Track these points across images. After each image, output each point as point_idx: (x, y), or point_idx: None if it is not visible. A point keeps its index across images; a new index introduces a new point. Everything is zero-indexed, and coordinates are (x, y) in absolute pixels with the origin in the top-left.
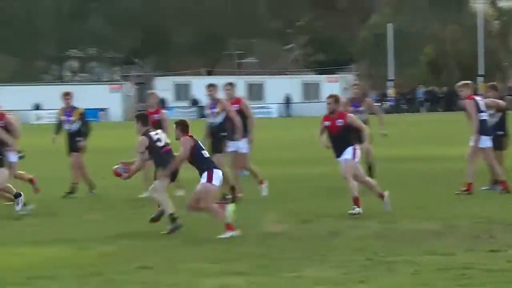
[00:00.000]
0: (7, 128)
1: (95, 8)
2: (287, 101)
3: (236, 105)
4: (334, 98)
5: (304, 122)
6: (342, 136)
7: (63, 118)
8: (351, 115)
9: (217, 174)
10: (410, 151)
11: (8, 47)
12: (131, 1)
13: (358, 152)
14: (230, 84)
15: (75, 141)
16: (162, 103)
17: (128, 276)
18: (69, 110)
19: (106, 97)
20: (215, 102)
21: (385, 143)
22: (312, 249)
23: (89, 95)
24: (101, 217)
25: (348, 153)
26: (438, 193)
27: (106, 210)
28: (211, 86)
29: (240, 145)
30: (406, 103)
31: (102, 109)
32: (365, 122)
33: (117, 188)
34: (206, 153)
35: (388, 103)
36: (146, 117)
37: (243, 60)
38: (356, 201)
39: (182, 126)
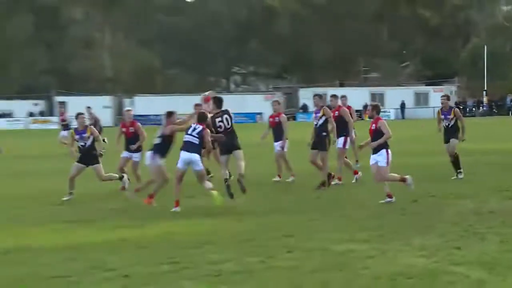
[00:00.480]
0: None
1: (254, 34)
2: (402, 107)
3: (336, 112)
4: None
5: (415, 124)
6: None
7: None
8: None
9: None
10: (497, 145)
11: (188, 66)
12: (282, 27)
13: None
14: (334, 96)
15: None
16: (304, 108)
17: (275, 242)
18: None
19: (261, 104)
20: (319, 108)
21: (477, 139)
22: (419, 222)
23: (249, 103)
24: (253, 196)
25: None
26: None
27: (257, 191)
28: (316, 96)
29: (339, 142)
30: (497, 108)
31: (258, 113)
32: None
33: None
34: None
35: (483, 108)
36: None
37: (368, 75)
38: None
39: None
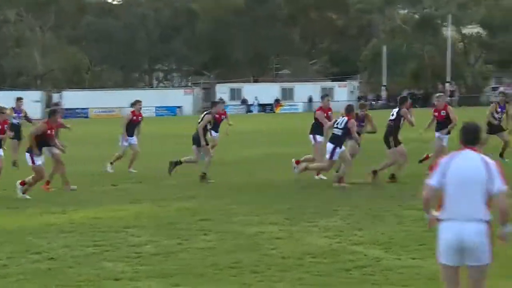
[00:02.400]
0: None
1: (176, 34)
2: (310, 101)
3: (443, 111)
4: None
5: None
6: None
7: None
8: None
9: None
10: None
11: (114, 63)
12: (202, 28)
13: None
14: (438, 96)
15: None
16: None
17: (192, 225)
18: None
19: (181, 98)
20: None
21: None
22: (324, 206)
23: (170, 97)
24: (176, 183)
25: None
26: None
27: (181, 177)
28: (402, 98)
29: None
30: (394, 102)
31: (178, 107)
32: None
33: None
34: None
35: (382, 102)
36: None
37: (279, 72)
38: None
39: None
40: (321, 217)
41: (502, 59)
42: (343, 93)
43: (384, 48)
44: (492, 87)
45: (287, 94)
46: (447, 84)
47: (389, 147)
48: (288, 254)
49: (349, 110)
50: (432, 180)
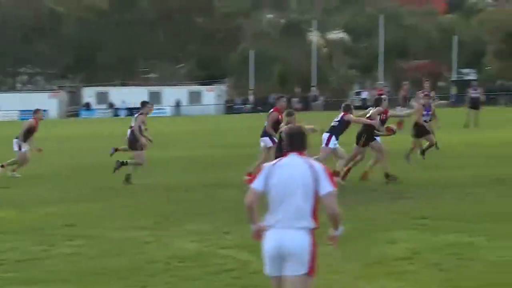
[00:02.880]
0: None
1: (40, 36)
2: (177, 105)
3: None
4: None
5: (189, 120)
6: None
7: None
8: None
9: None
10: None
11: None
12: (67, 30)
13: None
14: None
15: None
16: (87, 105)
17: (59, 230)
18: None
19: (47, 102)
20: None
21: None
22: (193, 210)
23: (34, 101)
24: (46, 187)
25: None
26: None
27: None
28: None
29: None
30: (261, 105)
31: (44, 110)
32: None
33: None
34: None
35: (249, 105)
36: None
37: (147, 76)
38: None
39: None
40: (190, 221)
41: (365, 64)
42: (210, 97)
43: (251, 53)
44: (356, 92)
45: (155, 98)
46: (312, 88)
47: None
48: (156, 258)
49: (346, 109)
50: (255, 184)
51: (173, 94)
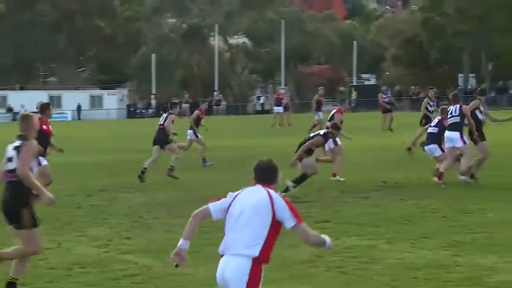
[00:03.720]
0: None
1: None
2: (79, 109)
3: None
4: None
5: (90, 124)
6: None
7: None
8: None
9: None
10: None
11: None
12: None
13: None
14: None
15: None
16: None
17: None
18: None
19: None
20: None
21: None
22: (94, 215)
23: None
24: None
25: None
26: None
27: None
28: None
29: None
30: (163, 110)
31: None
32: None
33: None
34: None
35: (152, 110)
36: None
37: (47, 79)
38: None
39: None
40: (91, 226)
41: (266, 69)
42: (112, 101)
43: (153, 57)
44: (257, 96)
45: (55, 102)
46: (215, 93)
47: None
48: (56, 264)
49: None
50: (213, 207)
51: (74, 98)
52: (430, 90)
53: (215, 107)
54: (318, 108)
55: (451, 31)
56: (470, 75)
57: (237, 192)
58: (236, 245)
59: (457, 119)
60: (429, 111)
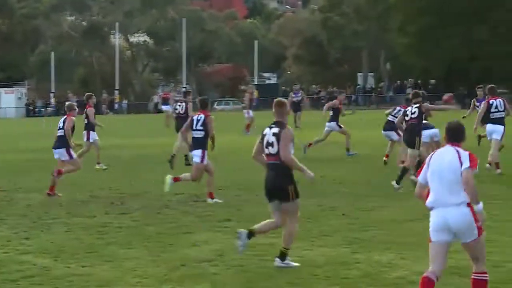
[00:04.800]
0: None
1: None
2: None
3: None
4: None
5: None
6: None
7: None
8: None
9: None
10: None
11: None
12: None
13: None
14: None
15: None
16: None
17: None
18: None
19: None
20: None
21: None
22: None
23: None
24: None
25: None
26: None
27: None
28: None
29: None
30: (63, 109)
31: None
32: None
33: None
34: None
35: (52, 108)
36: None
37: None
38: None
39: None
40: None
41: (168, 67)
42: (10, 99)
43: (52, 55)
44: (159, 95)
45: None
46: (115, 92)
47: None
48: None
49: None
50: (420, 177)
51: None
52: (479, 89)
53: (103, 106)
54: (251, 106)
55: (350, 31)
56: (369, 74)
57: (431, 154)
58: (446, 198)
59: (502, 114)
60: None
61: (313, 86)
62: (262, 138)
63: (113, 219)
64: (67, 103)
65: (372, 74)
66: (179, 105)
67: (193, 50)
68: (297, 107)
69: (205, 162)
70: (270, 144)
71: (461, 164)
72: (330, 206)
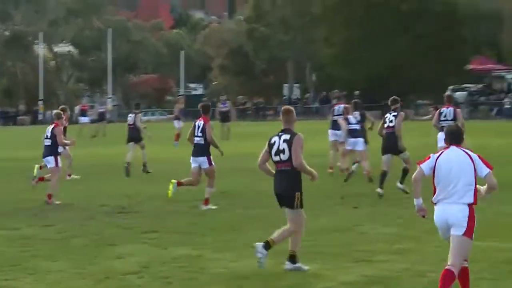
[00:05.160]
0: None
1: None
2: None
3: None
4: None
5: None
6: None
7: None
8: None
9: None
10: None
11: None
12: None
13: None
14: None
15: None
16: None
17: None
18: None
19: None
20: None
21: None
22: None
23: None
24: None
25: None
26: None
27: None
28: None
29: None
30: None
31: None
32: None
33: None
34: None
35: None
36: None
37: None
38: None
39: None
40: None
41: (93, 77)
42: None
43: None
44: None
45: None
46: (39, 102)
47: None
48: None
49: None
50: (424, 166)
51: None
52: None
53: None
54: (181, 116)
55: (276, 41)
56: (295, 85)
57: (437, 154)
58: (452, 197)
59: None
60: None
61: (240, 96)
62: (270, 147)
63: (37, 231)
64: (54, 111)
65: (298, 85)
66: (130, 116)
67: (119, 61)
68: (225, 117)
69: (213, 164)
70: (281, 151)
71: (474, 167)
72: (257, 216)
